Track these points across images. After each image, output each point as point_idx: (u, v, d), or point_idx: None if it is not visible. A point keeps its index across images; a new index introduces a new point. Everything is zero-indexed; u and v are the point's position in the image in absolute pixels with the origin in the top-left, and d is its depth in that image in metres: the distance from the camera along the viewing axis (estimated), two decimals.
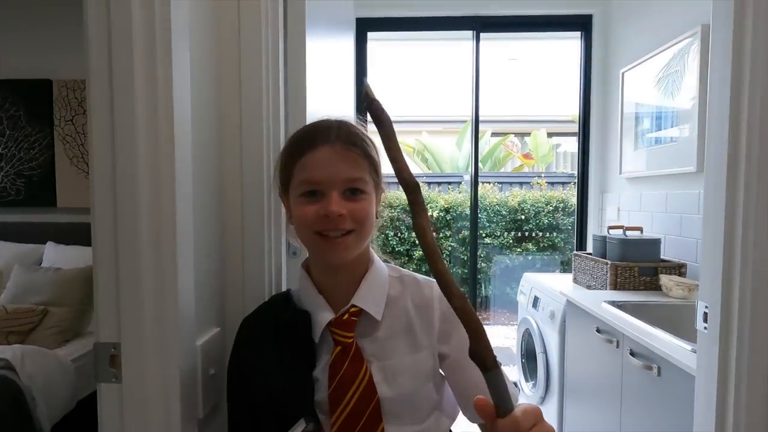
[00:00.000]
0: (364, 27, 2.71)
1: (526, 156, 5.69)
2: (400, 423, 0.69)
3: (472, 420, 0.72)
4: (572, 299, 1.91)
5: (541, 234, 4.34)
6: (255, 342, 0.74)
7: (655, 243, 2.00)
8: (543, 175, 4.89)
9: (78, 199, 2.59)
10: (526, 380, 2.43)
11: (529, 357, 2.42)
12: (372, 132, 0.61)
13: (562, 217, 4.32)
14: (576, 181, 2.87)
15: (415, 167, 5.41)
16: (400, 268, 0.79)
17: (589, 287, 2.10)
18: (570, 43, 2.82)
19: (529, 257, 4.38)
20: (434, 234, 0.53)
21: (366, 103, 0.48)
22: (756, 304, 0.81)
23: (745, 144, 0.81)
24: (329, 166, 0.67)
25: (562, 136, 6.26)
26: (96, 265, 0.69)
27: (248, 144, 0.92)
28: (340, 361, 0.69)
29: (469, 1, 2.66)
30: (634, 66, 2.29)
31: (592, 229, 2.75)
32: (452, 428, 0.81)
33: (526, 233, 4.34)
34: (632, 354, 1.42)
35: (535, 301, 2.31)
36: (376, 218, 0.73)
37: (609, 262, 1.97)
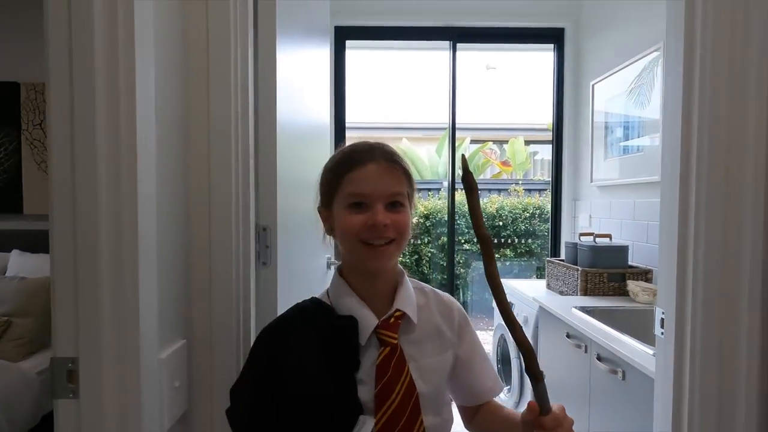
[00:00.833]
0: (343, 35, 2.73)
1: (504, 163, 5.77)
2: (432, 414, 0.78)
3: (462, 403, 0.88)
4: (544, 305, 1.95)
5: (518, 240, 4.41)
6: (295, 349, 0.75)
7: (623, 250, 2.06)
8: (520, 182, 4.97)
9: (45, 205, 2.43)
10: None
11: (504, 362, 2.45)
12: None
13: (538, 223, 4.40)
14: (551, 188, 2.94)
15: None
16: (416, 280, 0.87)
17: (561, 293, 2.14)
18: (545, 54, 2.89)
19: (507, 263, 4.44)
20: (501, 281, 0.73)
21: (463, 173, 0.65)
22: (707, 310, 0.84)
23: (695, 156, 0.85)
24: (376, 180, 0.74)
25: (539, 144, 6.39)
26: (54, 275, 0.67)
27: (216, 150, 0.90)
28: (387, 361, 0.74)
29: (447, 12, 2.71)
30: (605, 78, 2.37)
31: (566, 236, 2.81)
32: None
33: (504, 239, 4.40)
34: (599, 359, 1.45)
35: (510, 307, 2.34)
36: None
37: (579, 268, 2.02)
